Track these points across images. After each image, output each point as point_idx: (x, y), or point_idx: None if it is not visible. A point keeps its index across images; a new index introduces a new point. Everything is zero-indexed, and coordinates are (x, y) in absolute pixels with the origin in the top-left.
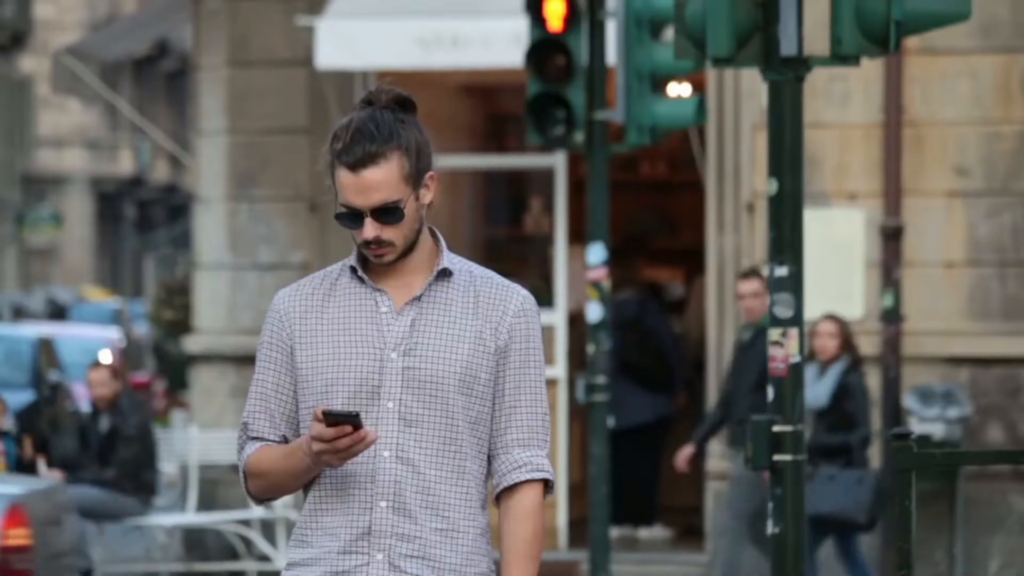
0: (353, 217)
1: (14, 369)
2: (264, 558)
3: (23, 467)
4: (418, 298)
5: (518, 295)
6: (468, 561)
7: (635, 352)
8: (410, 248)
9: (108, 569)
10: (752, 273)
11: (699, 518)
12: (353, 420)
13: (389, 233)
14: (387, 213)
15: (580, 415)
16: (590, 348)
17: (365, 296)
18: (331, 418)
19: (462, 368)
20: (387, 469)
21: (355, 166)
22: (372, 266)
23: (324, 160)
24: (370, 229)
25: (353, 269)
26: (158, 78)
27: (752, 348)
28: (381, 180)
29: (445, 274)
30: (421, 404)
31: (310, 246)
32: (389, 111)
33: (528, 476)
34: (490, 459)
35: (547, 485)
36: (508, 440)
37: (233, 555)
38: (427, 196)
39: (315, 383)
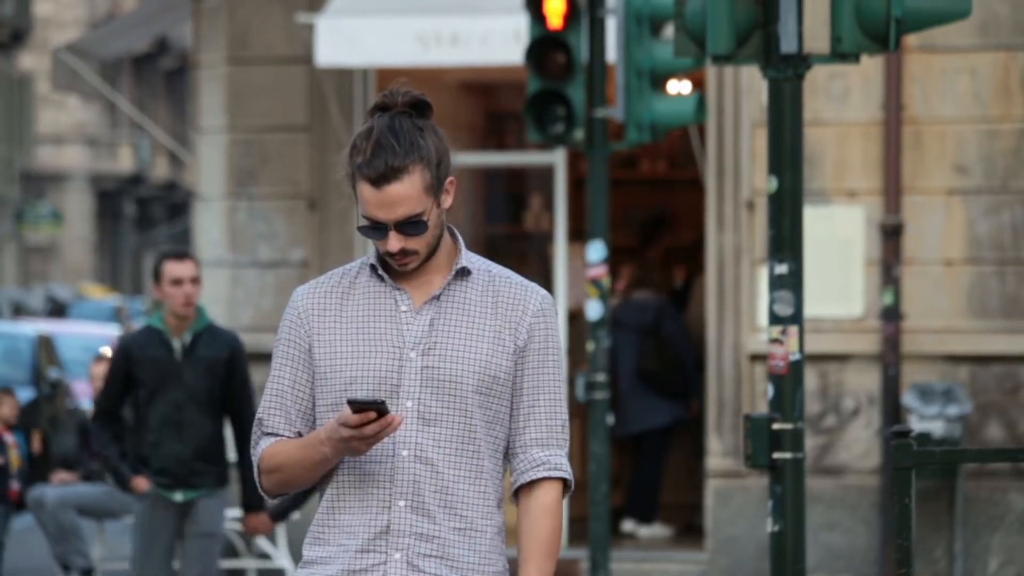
0: (377, 229)
1: (14, 366)
2: (264, 556)
3: (32, 460)
4: (437, 297)
5: (537, 295)
6: (486, 560)
7: (653, 361)
8: (432, 252)
9: (108, 567)
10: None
11: (699, 516)
12: (378, 407)
13: (413, 244)
14: (411, 226)
15: (580, 413)
16: (590, 346)
17: (385, 294)
18: (356, 405)
19: (481, 367)
20: (406, 468)
21: (378, 181)
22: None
23: (343, 170)
24: (394, 242)
25: (373, 267)
26: (158, 75)
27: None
28: (404, 195)
29: (464, 273)
30: (440, 403)
31: (310, 243)
32: (406, 117)
33: (546, 474)
34: (509, 458)
35: (566, 485)
36: (527, 440)
37: (233, 553)
38: (447, 201)
39: (334, 381)
